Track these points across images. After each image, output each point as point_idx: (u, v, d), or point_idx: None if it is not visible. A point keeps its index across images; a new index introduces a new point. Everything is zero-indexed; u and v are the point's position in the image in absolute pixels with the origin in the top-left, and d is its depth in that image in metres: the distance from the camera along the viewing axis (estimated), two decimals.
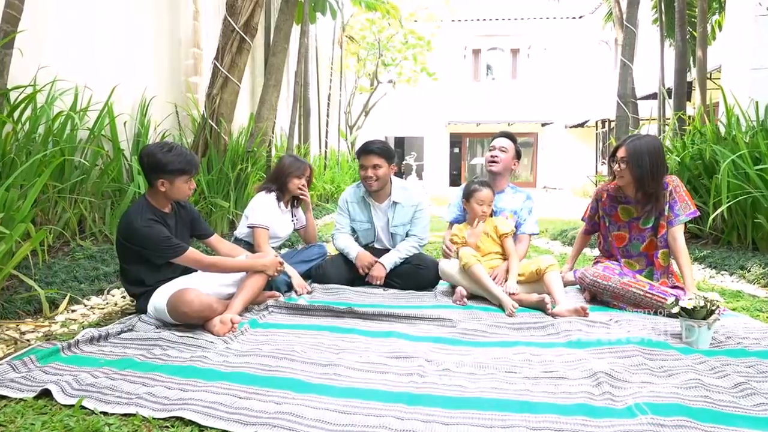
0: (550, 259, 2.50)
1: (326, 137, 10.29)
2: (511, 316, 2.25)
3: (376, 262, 2.84)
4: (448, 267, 2.65)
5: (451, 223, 3.02)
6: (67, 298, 2.37)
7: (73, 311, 2.32)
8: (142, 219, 2.02)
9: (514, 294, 2.45)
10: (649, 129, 6.16)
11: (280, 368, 1.60)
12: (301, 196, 2.98)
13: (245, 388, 1.46)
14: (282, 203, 2.94)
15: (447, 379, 1.52)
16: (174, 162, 2.06)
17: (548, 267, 2.45)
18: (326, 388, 1.47)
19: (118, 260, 2.17)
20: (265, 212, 2.82)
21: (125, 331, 1.97)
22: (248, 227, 2.84)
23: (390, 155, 2.88)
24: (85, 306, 2.41)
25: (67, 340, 1.81)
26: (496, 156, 2.89)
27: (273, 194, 2.91)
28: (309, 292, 2.66)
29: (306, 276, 2.97)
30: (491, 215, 2.79)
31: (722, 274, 3.29)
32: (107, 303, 2.49)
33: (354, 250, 2.87)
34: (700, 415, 1.30)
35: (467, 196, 2.75)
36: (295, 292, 2.64)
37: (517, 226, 2.88)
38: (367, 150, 2.84)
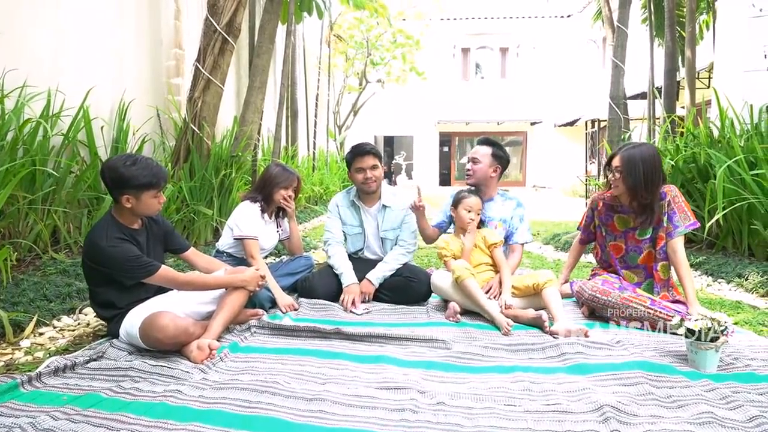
0: (548, 273, 2.40)
1: (314, 138, 10.13)
2: (507, 335, 2.15)
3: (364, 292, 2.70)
4: (441, 281, 2.54)
5: (434, 228, 2.91)
6: (34, 319, 2.21)
7: (40, 334, 2.17)
8: (108, 238, 1.87)
9: (509, 308, 2.35)
10: (642, 129, 6.12)
11: (260, 405, 1.46)
12: (285, 207, 2.85)
13: (220, 430, 1.32)
14: (266, 214, 2.81)
15: (442, 416, 1.41)
16: (139, 176, 1.89)
17: (546, 282, 2.34)
18: (311, 429, 1.34)
19: (86, 283, 2.02)
20: (250, 222, 2.69)
21: (94, 359, 1.82)
22: (235, 239, 2.72)
23: (381, 155, 2.90)
24: (54, 328, 2.25)
25: (28, 372, 1.67)
26: (469, 169, 2.82)
27: (257, 204, 2.78)
28: (295, 309, 2.53)
29: (292, 289, 2.85)
30: (480, 225, 2.70)
31: (719, 282, 3.22)
32: (79, 323, 2.34)
33: (347, 279, 2.71)
34: None
35: (455, 203, 2.68)
36: (280, 310, 2.51)
37: (508, 236, 2.78)
38: (363, 151, 2.81)
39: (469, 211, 2.60)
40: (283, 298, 2.57)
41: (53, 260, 3.02)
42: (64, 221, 3.23)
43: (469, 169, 2.82)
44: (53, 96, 3.15)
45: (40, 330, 2.20)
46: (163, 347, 1.86)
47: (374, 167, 2.80)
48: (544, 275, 2.39)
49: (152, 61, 4.67)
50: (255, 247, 2.66)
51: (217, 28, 4.17)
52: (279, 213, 2.95)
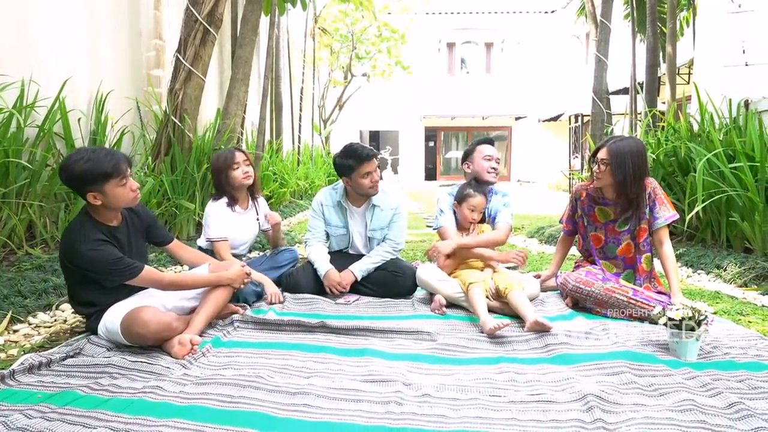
0: (510, 277, 2.39)
1: (299, 132, 10.04)
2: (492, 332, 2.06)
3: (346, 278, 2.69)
4: (426, 275, 2.53)
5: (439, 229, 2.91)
6: (8, 316, 2.14)
7: (14, 331, 2.10)
8: (87, 241, 1.78)
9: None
10: (624, 125, 6.19)
11: (242, 399, 1.44)
12: (245, 182, 2.72)
13: (202, 426, 1.30)
14: (237, 206, 2.75)
15: (427, 408, 1.40)
16: (93, 168, 1.76)
17: (506, 288, 2.29)
18: (294, 423, 1.32)
19: (65, 281, 1.96)
20: (217, 223, 2.65)
21: (71, 356, 1.77)
22: (208, 241, 2.68)
23: None
24: (30, 325, 2.19)
25: (0, 370, 1.61)
26: (496, 168, 2.88)
27: (221, 201, 2.72)
28: (281, 302, 2.50)
29: (276, 283, 2.81)
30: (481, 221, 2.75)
31: (699, 273, 3.28)
32: (55, 320, 2.27)
33: (323, 268, 2.69)
34: None
35: (460, 200, 2.70)
36: (266, 302, 2.48)
37: (494, 217, 2.83)
38: (371, 155, 2.69)
39: (473, 211, 2.65)
40: (272, 287, 2.55)
41: (29, 255, 2.94)
42: (40, 215, 3.14)
43: (495, 168, 2.90)
44: (27, 86, 3.05)
45: (15, 327, 2.14)
46: (146, 343, 1.82)
47: (377, 169, 2.77)
48: (505, 280, 2.36)
49: (131, 51, 4.56)
50: (225, 249, 2.62)
51: (199, 18, 4.09)
52: (253, 195, 2.87)
